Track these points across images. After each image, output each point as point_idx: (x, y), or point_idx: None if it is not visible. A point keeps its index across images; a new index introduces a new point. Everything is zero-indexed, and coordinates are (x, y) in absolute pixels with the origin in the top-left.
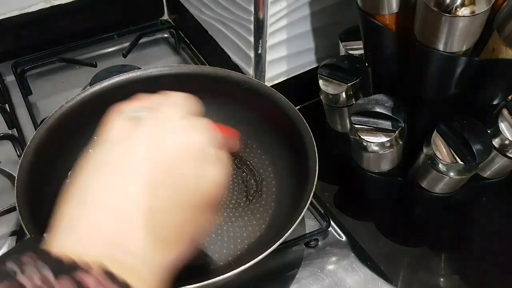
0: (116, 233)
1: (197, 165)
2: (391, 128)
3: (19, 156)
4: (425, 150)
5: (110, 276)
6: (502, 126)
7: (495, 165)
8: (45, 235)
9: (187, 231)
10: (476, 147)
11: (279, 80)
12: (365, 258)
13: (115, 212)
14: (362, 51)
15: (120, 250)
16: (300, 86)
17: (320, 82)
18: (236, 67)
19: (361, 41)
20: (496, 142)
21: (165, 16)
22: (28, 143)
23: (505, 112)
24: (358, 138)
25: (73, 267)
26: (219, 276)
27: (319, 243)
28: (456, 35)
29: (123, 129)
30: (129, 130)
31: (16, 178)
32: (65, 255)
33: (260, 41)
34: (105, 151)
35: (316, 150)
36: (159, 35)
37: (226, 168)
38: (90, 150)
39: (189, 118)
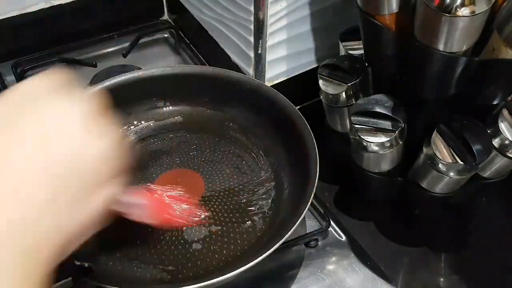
0: None
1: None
2: (391, 128)
3: None
4: (425, 150)
5: None
6: (502, 126)
7: (495, 165)
8: None
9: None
10: (476, 147)
11: (279, 80)
12: (365, 258)
13: None
14: (362, 51)
15: None
16: (300, 86)
17: (320, 82)
18: (236, 67)
19: (361, 41)
20: (496, 142)
21: (165, 16)
22: None
23: (505, 112)
24: (358, 138)
25: None
26: (219, 276)
27: (319, 243)
28: (456, 35)
29: None
30: None
31: None
32: None
33: (260, 41)
34: None
35: (316, 150)
36: (159, 35)
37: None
38: None
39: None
